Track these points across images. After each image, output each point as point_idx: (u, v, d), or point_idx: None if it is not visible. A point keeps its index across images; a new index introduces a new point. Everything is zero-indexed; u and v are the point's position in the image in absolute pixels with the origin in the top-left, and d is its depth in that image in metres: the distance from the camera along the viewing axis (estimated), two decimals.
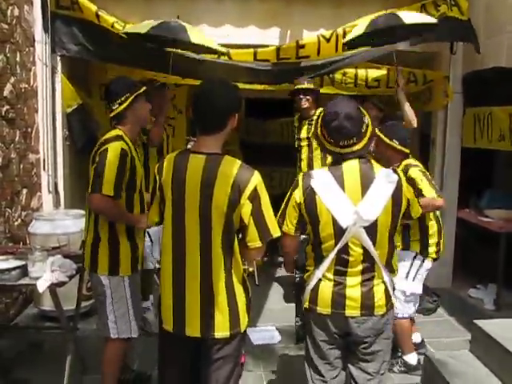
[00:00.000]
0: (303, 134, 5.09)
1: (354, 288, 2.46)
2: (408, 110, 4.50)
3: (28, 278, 3.19)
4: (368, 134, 2.49)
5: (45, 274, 3.13)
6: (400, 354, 3.97)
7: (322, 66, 5.35)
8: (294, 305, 5.04)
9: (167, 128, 4.98)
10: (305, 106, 5.00)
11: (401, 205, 2.48)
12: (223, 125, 2.41)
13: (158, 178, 2.44)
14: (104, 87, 3.74)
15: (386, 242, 2.48)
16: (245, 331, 2.50)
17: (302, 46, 5.32)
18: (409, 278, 3.80)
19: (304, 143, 5.09)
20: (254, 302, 5.12)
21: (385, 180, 2.45)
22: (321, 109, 4.96)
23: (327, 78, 5.68)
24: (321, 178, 2.47)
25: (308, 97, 4.98)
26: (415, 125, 4.47)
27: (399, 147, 3.74)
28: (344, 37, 5.22)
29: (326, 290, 2.49)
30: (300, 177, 2.55)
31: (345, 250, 2.44)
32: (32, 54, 5.21)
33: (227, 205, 2.29)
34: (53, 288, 3.18)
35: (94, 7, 4.98)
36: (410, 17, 4.37)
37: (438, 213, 3.87)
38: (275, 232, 2.40)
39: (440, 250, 3.89)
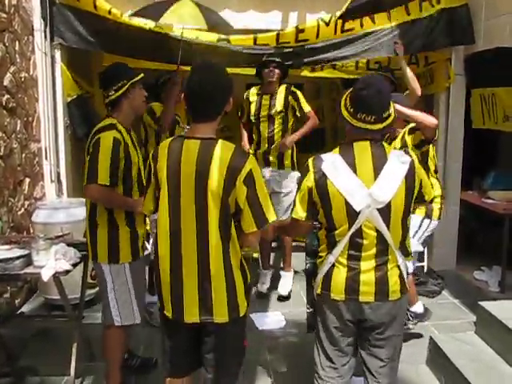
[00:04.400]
0: (264, 111, 5.02)
1: (368, 273, 2.42)
2: (411, 77, 4.46)
3: (32, 266, 3.20)
4: (389, 120, 2.44)
5: (49, 263, 3.13)
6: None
7: (321, 50, 5.35)
8: (299, 290, 5.08)
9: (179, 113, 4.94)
10: (272, 79, 4.93)
11: (414, 186, 2.44)
12: (219, 112, 2.42)
13: (152, 164, 2.43)
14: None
15: (400, 224, 2.43)
16: (245, 315, 2.50)
17: (302, 31, 5.33)
18: (415, 238, 3.97)
19: (265, 118, 5.02)
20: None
21: (397, 161, 2.41)
22: (284, 85, 5.01)
23: None
24: (332, 161, 2.41)
25: (277, 70, 4.93)
26: (419, 93, 4.42)
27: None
28: (344, 21, 5.23)
29: (340, 275, 2.44)
30: (310, 161, 2.48)
31: (358, 233, 2.39)
32: (31, 43, 5.19)
33: (223, 188, 2.28)
34: (57, 276, 3.19)
35: None
36: None
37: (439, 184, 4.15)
38: (271, 217, 2.39)
39: (442, 210, 4.19)
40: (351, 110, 2.42)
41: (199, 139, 2.35)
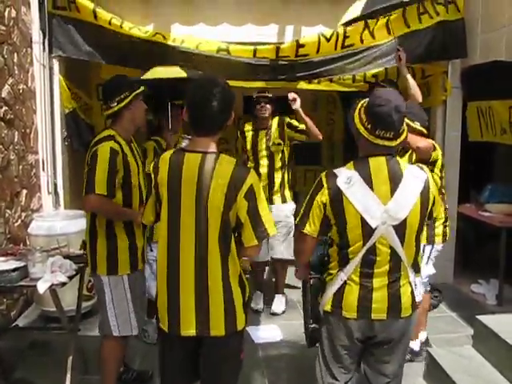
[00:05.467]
0: (262, 145, 5.01)
1: (380, 290, 2.38)
2: (412, 84, 4.47)
3: (28, 279, 3.19)
4: (403, 136, 2.41)
5: (45, 275, 3.12)
6: None
7: (319, 64, 5.37)
8: (295, 303, 5.08)
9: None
10: (265, 115, 4.95)
11: (428, 203, 2.40)
12: (220, 126, 2.42)
13: (153, 176, 2.43)
14: (101, 87, 3.73)
15: (414, 241, 2.40)
16: (243, 330, 2.48)
17: (302, 45, 5.34)
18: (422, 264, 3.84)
19: (264, 154, 5.01)
20: None
21: (413, 177, 2.37)
22: (277, 118, 5.01)
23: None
24: (347, 177, 2.35)
25: (268, 105, 4.94)
26: (420, 99, 4.42)
27: (420, 128, 3.71)
28: (344, 37, 5.27)
29: (352, 293, 2.40)
30: (323, 176, 2.42)
31: (372, 250, 2.35)
32: (29, 55, 5.20)
33: (223, 203, 2.28)
34: (53, 289, 3.17)
35: (91, 5, 5.00)
36: None
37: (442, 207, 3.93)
38: (271, 231, 2.40)
39: (446, 233, 3.97)
40: (368, 126, 2.36)
41: (200, 153, 2.35)
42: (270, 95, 4.97)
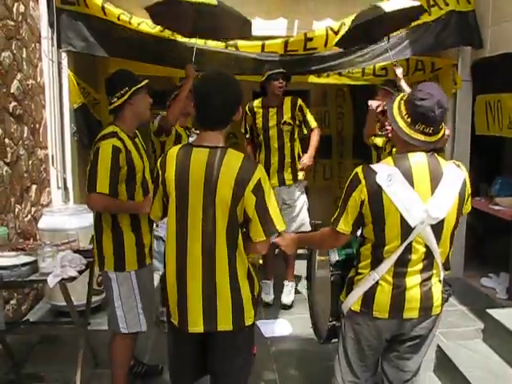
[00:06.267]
0: (273, 121, 4.99)
1: (413, 289, 2.34)
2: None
3: (38, 273, 3.20)
4: (442, 131, 2.36)
5: (55, 270, 3.13)
6: None
7: (328, 58, 5.36)
8: (303, 297, 5.06)
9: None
10: (279, 92, 4.91)
11: (464, 202, 2.36)
12: (227, 121, 2.41)
13: (160, 172, 2.43)
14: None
15: (449, 240, 2.36)
16: (252, 324, 2.48)
17: (310, 39, 5.31)
18: None
19: (274, 131, 4.99)
20: None
21: (453, 176, 2.32)
22: (290, 97, 5.00)
23: None
24: (388, 174, 2.27)
25: (283, 81, 4.91)
26: None
27: None
28: None
29: (384, 293, 2.35)
30: (360, 172, 2.33)
31: (408, 249, 2.29)
32: (38, 50, 5.22)
33: (231, 198, 2.27)
34: (63, 283, 3.19)
35: (100, 0, 4.98)
36: (391, 5, 4.37)
37: None
38: (280, 226, 2.38)
39: None
40: (408, 119, 2.31)
41: (208, 148, 2.35)
42: (285, 71, 4.95)
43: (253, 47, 5.35)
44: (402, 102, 2.38)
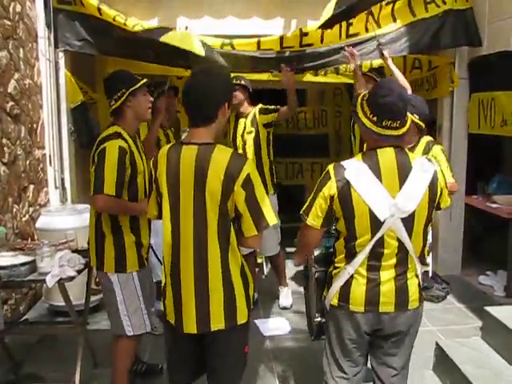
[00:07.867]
0: (239, 132, 5.00)
1: (388, 283, 2.36)
2: (400, 76, 4.30)
3: (37, 273, 3.21)
4: (408, 123, 2.39)
5: (53, 269, 3.13)
6: None
7: (324, 54, 5.35)
8: (301, 296, 5.07)
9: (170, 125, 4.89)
10: (235, 102, 4.69)
11: (436, 195, 2.39)
12: (213, 116, 2.39)
13: (153, 171, 2.45)
14: None
15: (421, 233, 2.39)
16: (246, 323, 2.48)
17: (306, 34, 5.29)
18: None
19: (239, 141, 5.00)
20: (264, 294, 5.18)
21: (421, 169, 2.34)
22: (260, 105, 4.99)
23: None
24: (356, 169, 2.33)
25: (237, 93, 4.84)
26: (410, 91, 4.34)
27: (417, 121, 3.64)
28: (348, 25, 5.24)
29: (359, 287, 2.38)
30: (331, 168, 2.38)
31: (380, 243, 2.33)
32: (35, 50, 5.21)
33: (221, 193, 2.28)
34: (61, 283, 3.19)
35: (95, 1, 4.97)
36: None
37: None
38: (271, 220, 2.38)
39: None
40: (374, 118, 2.33)
41: (196, 145, 2.35)
42: (243, 82, 4.93)
43: (248, 45, 5.34)
44: (364, 102, 2.40)
